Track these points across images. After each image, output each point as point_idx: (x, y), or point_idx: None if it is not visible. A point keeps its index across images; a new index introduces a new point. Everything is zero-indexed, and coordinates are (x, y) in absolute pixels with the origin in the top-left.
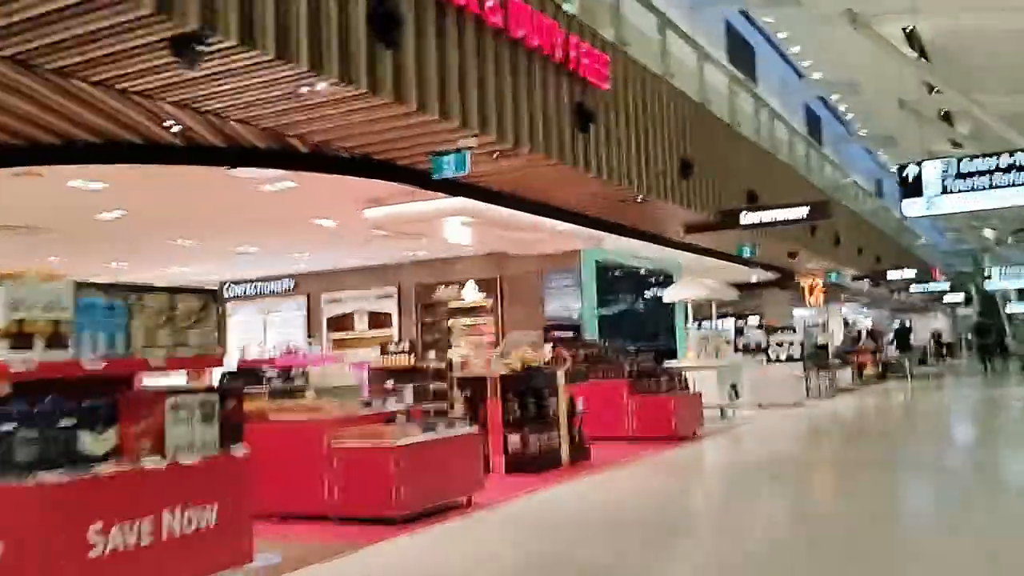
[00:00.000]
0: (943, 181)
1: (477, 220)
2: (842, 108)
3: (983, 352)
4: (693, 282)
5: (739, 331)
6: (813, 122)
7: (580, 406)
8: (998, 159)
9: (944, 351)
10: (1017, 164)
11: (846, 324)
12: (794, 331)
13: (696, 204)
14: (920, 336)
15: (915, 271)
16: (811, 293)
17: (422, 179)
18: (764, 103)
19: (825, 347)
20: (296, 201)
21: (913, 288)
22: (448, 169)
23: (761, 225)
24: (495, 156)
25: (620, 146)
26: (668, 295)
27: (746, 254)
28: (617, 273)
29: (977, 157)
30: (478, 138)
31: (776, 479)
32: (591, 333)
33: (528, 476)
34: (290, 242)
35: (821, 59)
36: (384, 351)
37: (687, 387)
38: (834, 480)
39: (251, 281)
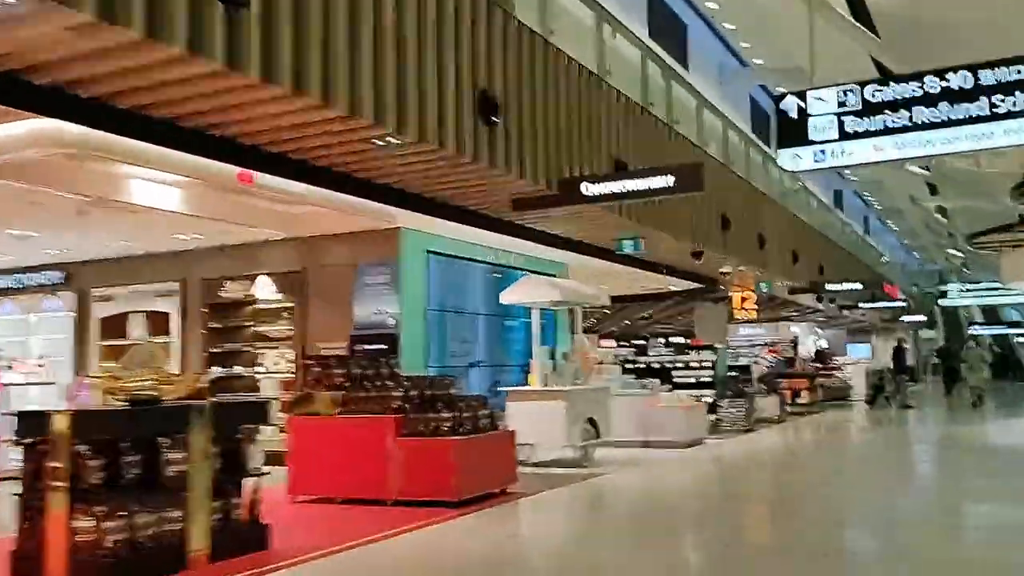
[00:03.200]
0: (841, 119)
1: (191, 178)
2: None
3: (947, 377)
4: (541, 282)
5: (641, 350)
6: (760, 119)
7: (257, 462)
8: (922, 83)
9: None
10: (952, 89)
11: (793, 345)
12: (714, 351)
13: (514, 165)
14: (881, 360)
15: (860, 284)
16: (741, 305)
17: None
18: (652, 52)
19: (746, 369)
20: None
21: (865, 306)
22: None
23: (612, 197)
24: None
25: (339, 52)
26: (507, 296)
27: (628, 250)
28: (496, 275)
29: (891, 82)
30: None
31: None
32: (411, 347)
33: None
34: None
35: (760, 40)
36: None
37: (492, 424)
38: None
39: (11, 271)
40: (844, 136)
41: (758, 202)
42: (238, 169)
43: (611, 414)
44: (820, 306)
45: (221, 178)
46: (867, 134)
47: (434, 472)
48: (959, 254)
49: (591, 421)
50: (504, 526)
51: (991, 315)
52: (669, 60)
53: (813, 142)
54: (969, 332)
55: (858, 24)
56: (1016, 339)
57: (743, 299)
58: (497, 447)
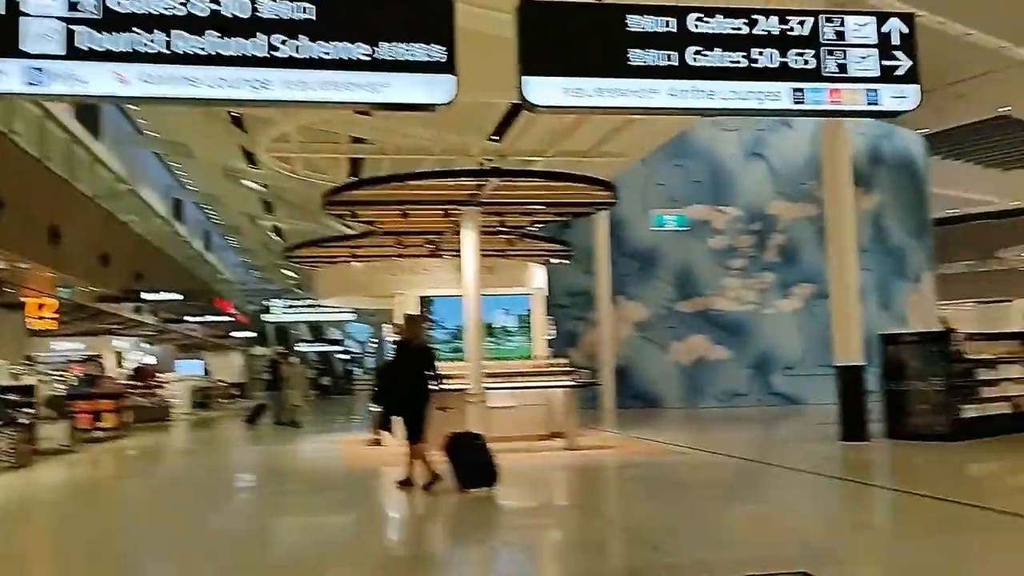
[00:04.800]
0: (71, 29)
1: None
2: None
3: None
4: None
5: None
6: (87, 108)
7: None
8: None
9: (236, 392)
10: (223, 15)
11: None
12: None
13: None
14: (218, 375)
15: (181, 295)
16: (38, 313)
17: None
18: None
19: (30, 391)
20: None
21: (192, 320)
22: None
23: None
24: None
25: None
26: None
27: None
28: None
29: None
30: None
31: None
32: None
33: None
34: None
35: None
36: None
37: None
38: None
39: None
40: (76, 54)
41: (58, 192)
42: None
43: None
44: (146, 319)
45: None
46: (108, 56)
47: None
48: (294, 274)
49: None
50: None
51: (318, 332)
52: None
53: (27, 55)
54: (296, 349)
55: None
56: (336, 355)
57: (40, 306)
58: None
